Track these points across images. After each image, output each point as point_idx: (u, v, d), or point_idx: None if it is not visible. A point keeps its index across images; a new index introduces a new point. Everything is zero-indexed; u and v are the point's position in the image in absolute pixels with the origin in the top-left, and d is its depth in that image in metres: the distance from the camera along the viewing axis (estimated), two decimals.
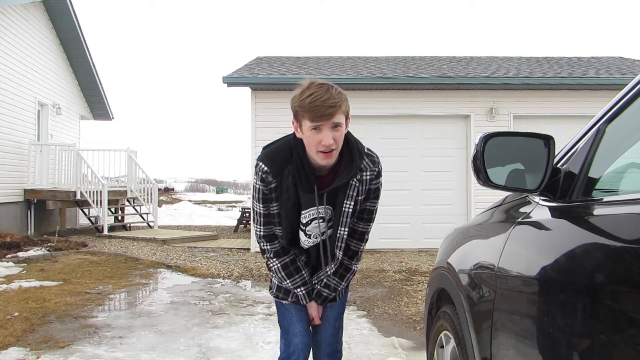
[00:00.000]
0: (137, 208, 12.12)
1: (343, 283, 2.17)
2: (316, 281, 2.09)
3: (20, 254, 7.60)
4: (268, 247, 2.01)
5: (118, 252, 8.24)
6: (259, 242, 2.02)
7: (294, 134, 1.88)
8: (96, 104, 14.53)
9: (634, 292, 0.92)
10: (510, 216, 1.65)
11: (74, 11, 11.85)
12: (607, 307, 0.99)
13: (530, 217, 1.47)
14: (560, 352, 1.13)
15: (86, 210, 11.20)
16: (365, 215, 2.00)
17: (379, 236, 8.85)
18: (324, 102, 1.74)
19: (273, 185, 1.88)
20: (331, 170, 1.88)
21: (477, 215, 2.09)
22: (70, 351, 3.60)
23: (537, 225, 1.44)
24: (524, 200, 1.59)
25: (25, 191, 10.43)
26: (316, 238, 2.00)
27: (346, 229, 1.94)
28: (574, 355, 1.10)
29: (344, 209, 1.91)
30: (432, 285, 2.20)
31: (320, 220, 1.95)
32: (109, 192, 10.65)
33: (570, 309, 1.14)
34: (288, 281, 2.01)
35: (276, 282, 2.09)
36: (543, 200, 1.45)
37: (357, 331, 4.15)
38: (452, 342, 1.84)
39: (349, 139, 1.89)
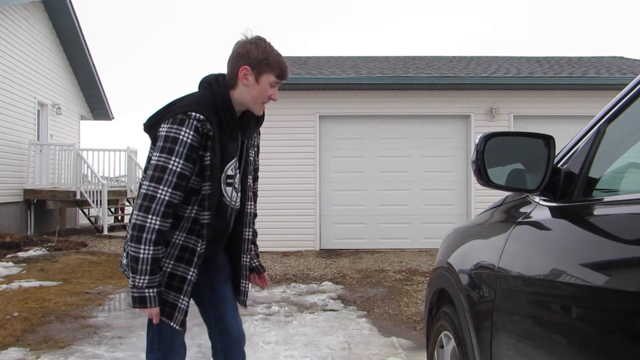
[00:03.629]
0: None
1: (256, 249, 2.22)
2: (251, 254, 2.13)
3: (20, 254, 7.60)
4: (156, 223, 1.70)
5: (118, 252, 8.24)
6: (144, 215, 1.71)
7: (209, 84, 1.86)
8: (96, 103, 14.53)
9: (634, 292, 0.92)
10: (510, 216, 1.65)
11: (74, 11, 11.85)
12: (607, 307, 0.99)
13: (530, 217, 1.47)
14: (560, 353, 1.13)
15: (86, 210, 11.20)
16: (257, 173, 2.12)
17: (379, 236, 8.85)
18: (287, 65, 1.90)
19: (210, 134, 1.76)
20: (240, 124, 1.94)
21: (477, 215, 2.09)
22: (70, 351, 3.60)
23: (538, 225, 1.44)
24: (524, 200, 1.59)
25: (25, 191, 10.43)
26: (232, 201, 1.95)
27: (251, 180, 2.04)
28: (574, 355, 1.09)
29: (249, 157, 2.01)
30: (432, 285, 2.20)
31: (238, 171, 1.96)
32: (108, 192, 10.65)
33: (570, 309, 1.14)
34: (146, 277, 1.73)
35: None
36: (543, 200, 1.45)
37: (357, 331, 4.15)
38: (452, 342, 1.84)
39: None
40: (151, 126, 1.85)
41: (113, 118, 15.40)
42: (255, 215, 2.10)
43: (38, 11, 11.28)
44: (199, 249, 1.85)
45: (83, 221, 12.31)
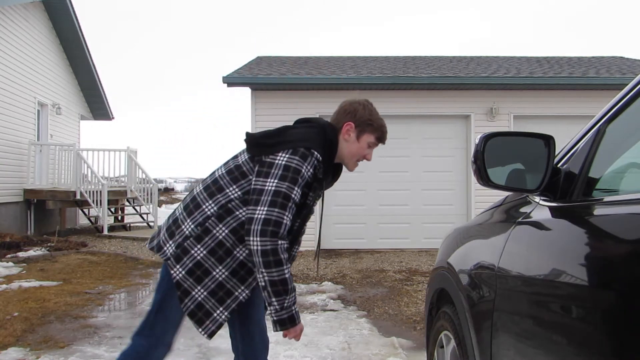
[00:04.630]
0: (137, 208, 12.12)
1: None
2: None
3: (20, 254, 7.60)
4: (284, 244, 1.77)
5: (118, 252, 8.24)
6: (273, 240, 1.73)
7: (323, 128, 1.93)
8: (96, 103, 14.53)
9: (634, 292, 0.92)
10: (510, 216, 1.65)
11: (74, 11, 11.85)
12: (607, 307, 0.99)
13: (530, 217, 1.47)
14: (560, 353, 1.13)
15: (86, 210, 11.20)
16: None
17: (379, 236, 8.85)
18: (387, 131, 2.06)
19: (320, 177, 1.87)
20: None
21: (477, 215, 2.09)
22: (70, 351, 3.60)
23: (538, 225, 1.44)
24: (524, 200, 1.59)
25: (25, 191, 10.43)
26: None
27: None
28: (574, 355, 1.09)
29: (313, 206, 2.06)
30: (432, 285, 2.20)
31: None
32: (108, 192, 10.64)
33: (570, 309, 1.14)
34: (293, 295, 1.81)
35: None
36: (543, 200, 1.45)
37: (357, 331, 4.15)
38: (452, 342, 1.84)
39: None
40: (261, 145, 1.88)
41: (113, 118, 15.40)
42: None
43: (38, 11, 11.28)
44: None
45: (83, 221, 12.31)
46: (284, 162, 1.78)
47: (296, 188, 1.77)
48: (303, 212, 1.89)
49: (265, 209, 1.74)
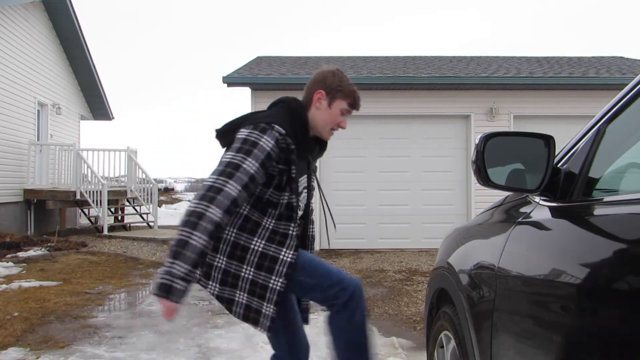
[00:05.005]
0: (137, 208, 12.11)
1: None
2: None
3: (20, 254, 7.60)
4: (217, 214, 1.65)
5: (118, 252, 8.24)
6: (206, 204, 1.65)
7: (288, 104, 1.95)
8: (96, 103, 14.53)
9: (634, 292, 0.92)
10: (510, 216, 1.65)
11: (74, 11, 11.85)
12: (607, 307, 0.99)
13: (530, 217, 1.47)
14: (560, 353, 1.13)
15: (86, 210, 11.20)
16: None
17: (379, 236, 8.85)
18: (360, 98, 2.02)
19: (291, 148, 1.83)
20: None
21: (477, 215, 2.09)
22: (70, 351, 3.60)
23: (538, 225, 1.44)
24: (524, 200, 1.59)
25: (25, 191, 10.43)
26: (300, 211, 2.03)
27: (312, 202, 2.12)
28: (574, 355, 1.09)
29: (312, 183, 2.09)
30: (432, 285, 2.20)
31: (305, 190, 2.04)
32: (108, 192, 10.64)
33: (570, 309, 1.14)
34: (188, 267, 1.62)
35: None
36: (543, 200, 1.45)
37: None
38: (452, 342, 1.84)
39: None
40: (226, 132, 1.90)
41: (113, 118, 15.40)
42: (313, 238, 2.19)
43: (38, 11, 11.28)
44: (281, 255, 1.86)
45: (83, 221, 12.31)
46: (243, 136, 1.78)
47: (250, 159, 1.72)
48: (292, 186, 1.86)
49: (213, 177, 1.71)
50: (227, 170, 1.71)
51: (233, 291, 1.86)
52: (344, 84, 1.98)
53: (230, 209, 1.68)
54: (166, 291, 1.60)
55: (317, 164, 2.16)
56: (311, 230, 2.15)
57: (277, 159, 1.81)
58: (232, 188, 1.68)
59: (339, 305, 1.87)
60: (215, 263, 1.88)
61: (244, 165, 1.72)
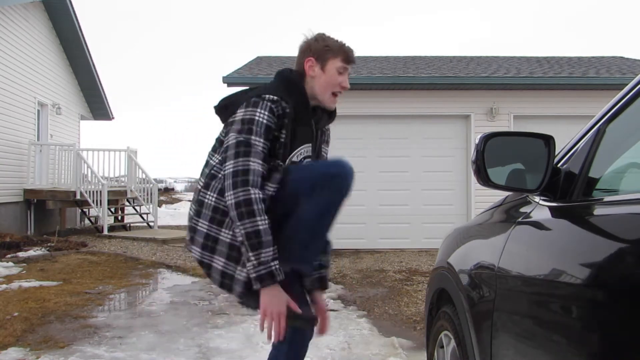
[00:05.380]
0: (137, 208, 12.12)
1: (327, 257, 2.04)
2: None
3: (20, 254, 7.60)
4: (258, 193, 1.68)
5: (118, 252, 8.24)
6: (244, 189, 1.67)
7: (285, 74, 1.90)
8: (96, 103, 14.53)
9: (634, 292, 0.92)
10: (510, 216, 1.65)
11: (74, 11, 11.85)
12: (607, 307, 0.99)
13: (530, 217, 1.47)
14: (560, 353, 1.13)
15: (86, 210, 11.21)
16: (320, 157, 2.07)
17: (379, 236, 8.85)
18: (351, 49, 1.92)
19: (287, 112, 1.78)
20: (315, 119, 1.96)
21: (477, 215, 2.09)
22: (70, 351, 3.60)
23: (537, 225, 1.44)
24: (524, 200, 1.59)
25: (25, 191, 10.43)
26: None
27: None
28: (574, 355, 1.09)
29: (322, 152, 2.00)
30: (432, 285, 2.20)
31: (310, 160, 1.91)
32: (108, 192, 10.64)
33: (570, 309, 1.14)
34: (271, 249, 1.68)
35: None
36: (543, 200, 1.45)
37: (357, 331, 4.15)
38: (452, 343, 1.83)
39: None
40: (223, 107, 1.89)
41: (113, 118, 15.40)
42: None
43: (38, 11, 11.28)
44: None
45: (83, 221, 12.32)
46: (239, 117, 1.78)
47: (254, 136, 1.73)
48: (279, 151, 1.79)
49: (232, 162, 1.72)
50: (241, 150, 1.72)
51: (211, 256, 1.84)
52: (330, 42, 1.90)
53: (259, 182, 1.71)
54: (270, 277, 1.67)
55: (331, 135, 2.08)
56: None
57: (277, 128, 1.78)
58: (255, 164, 1.71)
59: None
60: (199, 227, 1.85)
61: (252, 141, 1.73)
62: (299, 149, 1.85)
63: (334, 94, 1.90)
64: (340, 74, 1.89)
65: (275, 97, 1.77)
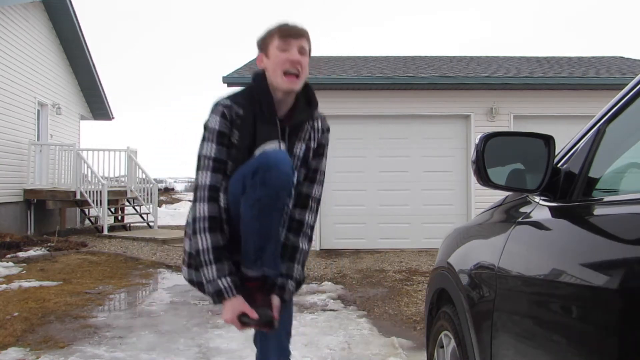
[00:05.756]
0: (137, 208, 12.12)
1: (297, 266, 1.81)
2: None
3: (20, 254, 7.60)
4: (205, 209, 1.66)
5: (118, 252, 8.24)
6: (193, 206, 1.68)
7: (252, 76, 1.83)
8: (96, 104, 14.53)
9: (634, 292, 0.92)
10: (510, 216, 1.65)
11: (74, 11, 11.85)
12: (607, 307, 0.99)
13: (530, 217, 1.47)
14: (560, 352, 1.13)
15: (86, 210, 11.20)
16: (310, 173, 1.85)
17: (379, 236, 8.85)
18: (294, 24, 1.78)
19: (240, 114, 1.71)
20: (288, 114, 1.80)
21: (477, 215, 2.09)
22: (70, 351, 3.60)
23: (538, 225, 1.44)
24: (524, 200, 1.59)
25: (25, 191, 10.43)
26: None
27: (294, 176, 1.76)
28: (574, 355, 1.09)
29: (295, 150, 1.80)
30: (432, 285, 2.20)
31: None
32: (108, 192, 10.64)
33: (570, 309, 1.14)
34: (214, 267, 1.64)
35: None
36: (543, 200, 1.45)
37: (357, 331, 4.15)
38: (452, 343, 1.84)
39: (309, 85, 1.86)
40: None
41: (113, 118, 15.40)
42: (302, 223, 1.83)
43: (38, 11, 11.28)
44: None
45: (84, 221, 12.32)
46: (203, 125, 1.78)
47: (206, 144, 1.71)
48: (231, 151, 1.71)
49: (194, 176, 1.75)
50: (198, 163, 1.73)
51: (191, 271, 1.82)
52: (268, 28, 1.80)
53: (212, 196, 1.67)
54: (218, 295, 1.64)
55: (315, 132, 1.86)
56: (299, 217, 1.83)
57: (231, 132, 1.72)
58: (203, 176, 1.69)
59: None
60: (184, 247, 1.86)
61: (204, 152, 1.71)
62: (260, 147, 1.75)
63: (286, 74, 1.72)
64: (283, 50, 1.73)
65: (228, 102, 1.73)
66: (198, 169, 1.72)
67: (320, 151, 1.87)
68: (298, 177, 1.79)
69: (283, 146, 1.77)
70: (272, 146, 1.75)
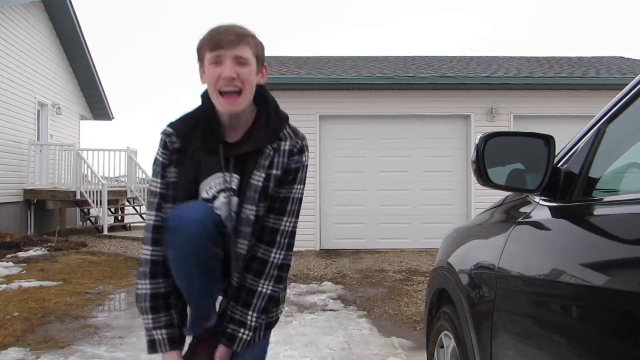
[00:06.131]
0: (137, 208, 12.13)
1: (251, 313, 1.53)
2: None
3: (20, 254, 7.60)
4: (149, 252, 1.51)
5: (118, 252, 8.24)
6: (144, 244, 1.54)
7: (200, 98, 1.59)
8: (96, 103, 14.54)
9: (634, 292, 0.92)
10: (510, 216, 1.65)
11: (74, 11, 11.86)
12: (607, 307, 0.99)
13: (530, 217, 1.47)
14: (560, 352, 1.13)
15: (86, 210, 11.20)
16: (277, 204, 1.54)
17: (379, 236, 8.85)
18: (227, 29, 1.48)
19: (176, 147, 1.53)
20: (244, 138, 1.55)
21: (477, 215, 2.09)
22: (70, 351, 3.60)
23: (538, 225, 1.44)
24: (524, 200, 1.59)
25: (25, 191, 10.43)
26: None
27: (253, 210, 1.51)
28: (574, 355, 1.09)
29: (252, 180, 1.51)
30: (432, 285, 2.20)
31: (231, 193, 1.53)
32: (108, 192, 10.65)
33: (570, 309, 1.14)
34: (149, 317, 1.51)
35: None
36: (543, 200, 1.45)
37: (357, 331, 4.15)
38: (452, 342, 1.84)
39: (268, 99, 1.58)
40: None
41: (113, 118, 15.41)
42: (265, 263, 1.53)
43: (38, 11, 11.28)
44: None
45: (84, 222, 12.32)
46: None
47: (153, 179, 1.56)
48: (169, 192, 1.54)
49: None
50: (148, 203, 1.59)
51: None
52: (201, 37, 1.53)
53: (156, 239, 1.52)
54: (151, 346, 1.54)
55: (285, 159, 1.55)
56: (234, 280, 1.54)
57: (171, 161, 1.54)
58: (149, 217, 1.55)
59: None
60: None
61: (152, 188, 1.56)
62: (205, 182, 1.53)
63: (223, 94, 1.46)
64: (215, 64, 1.47)
65: (169, 130, 1.54)
66: (147, 207, 1.59)
67: (289, 178, 1.54)
68: (257, 211, 1.51)
69: (229, 178, 1.53)
70: (219, 179, 1.53)
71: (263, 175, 1.52)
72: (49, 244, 8.48)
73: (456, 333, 1.76)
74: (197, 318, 1.56)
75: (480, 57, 11.36)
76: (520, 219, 1.51)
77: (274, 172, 1.52)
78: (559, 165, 1.47)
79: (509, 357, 1.36)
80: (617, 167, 1.44)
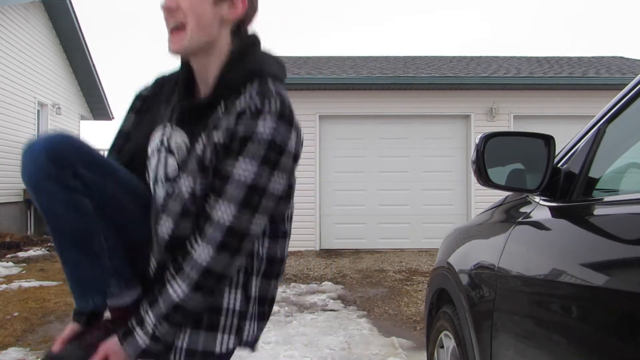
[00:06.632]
0: None
1: (153, 313, 1.18)
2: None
3: (20, 254, 7.60)
4: None
5: None
6: None
7: None
8: (96, 103, 14.54)
9: (634, 292, 0.92)
10: (510, 216, 1.65)
11: (73, 11, 11.86)
12: (607, 307, 0.99)
13: (530, 217, 1.47)
14: (560, 352, 1.13)
15: None
16: (217, 180, 1.10)
17: (379, 236, 8.85)
18: None
19: (144, 94, 1.32)
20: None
21: (477, 215, 2.09)
22: None
23: (538, 225, 1.44)
24: (524, 200, 1.59)
25: (25, 191, 10.43)
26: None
27: (189, 186, 1.12)
28: (574, 355, 1.09)
29: (196, 145, 1.14)
30: (432, 286, 2.20)
31: (167, 154, 1.19)
32: None
33: (570, 309, 1.14)
34: None
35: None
36: (543, 200, 1.45)
37: (357, 331, 4.15)
38: (452, 342, 1.84)
39: (253, 40, 1.22)
40: None
41: (113, 118, 15.42)
42: (184, 252, 1.12)
43: (38, 11, 11.28)
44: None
45: None
46: None
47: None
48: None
49: None
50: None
51: None
52: None
53: None
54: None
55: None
56: (165, 234, 1.17)
57: (132, 110, 1.37)
58: None
59: None
60: None
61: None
62: (152, 138, 1.25)
63: (171, 31, 1.14)
64: None
65: (151, 81, 1.36)
66: None
67: (235, 146, 1.09)
68: (194, 187, 1.12)
69: (168, 134, 1.20)
70: (156, 136, 1.23)
71: (205, 141, 1.12)
72: (49, 244, 8.48)
73: (456, 333, 1.76)
74: (77, 284, 1.25)
75: (480, 57, 11.36)
76: (520, 219, 1.51)
77: (216, 138, 1.11)
78: (559, 165, 1.47)
79: (509, 357, 1.36)
80: (617, 167, 1.44)
